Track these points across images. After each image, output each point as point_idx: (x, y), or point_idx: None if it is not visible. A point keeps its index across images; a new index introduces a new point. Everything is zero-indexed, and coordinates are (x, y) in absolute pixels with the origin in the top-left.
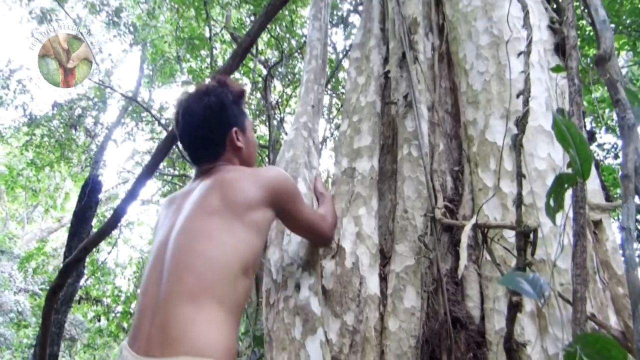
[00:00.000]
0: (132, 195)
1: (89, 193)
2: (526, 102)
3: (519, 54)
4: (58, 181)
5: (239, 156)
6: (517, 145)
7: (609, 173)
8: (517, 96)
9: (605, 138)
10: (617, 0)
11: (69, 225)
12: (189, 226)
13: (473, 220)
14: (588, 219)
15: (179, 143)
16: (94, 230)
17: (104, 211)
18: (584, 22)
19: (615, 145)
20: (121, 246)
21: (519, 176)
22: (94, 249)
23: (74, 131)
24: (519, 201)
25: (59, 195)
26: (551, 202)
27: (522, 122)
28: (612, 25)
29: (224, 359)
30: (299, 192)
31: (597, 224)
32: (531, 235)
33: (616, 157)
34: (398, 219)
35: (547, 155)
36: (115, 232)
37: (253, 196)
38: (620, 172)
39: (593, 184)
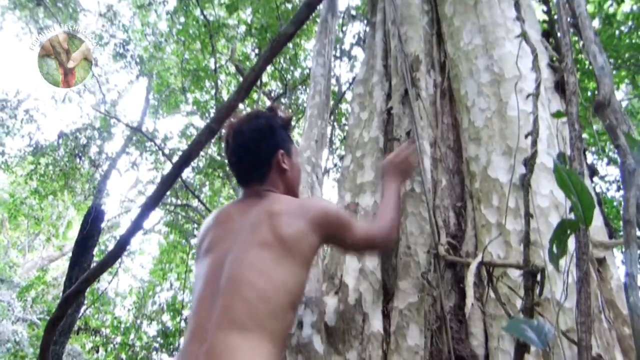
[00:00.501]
0: (135, 227)
1: (92, 222)
2: (534, 143)
3: (528, 96)
4: (61, 210)
5: (284, 179)
6: (525, 185)
7: (612, 206)
8: (525, 137)
9: (607, 170)
10: (615, 35)
11: (70, 254)
12: (243, 257)
13: (478, 259)
14: (592, 257)
15: (185, 173)
16: (96, 259)
17: (105, 240)
18: (583, 56)
19: (617, 178)
20: (122, 275)
21: (527, 215)
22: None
23: (78, 160)
24: (526, 240)
25: (61, 223)
26: (554, 249)
27: (530, 163)
28: (611, 60)
29: None
30: (346, 218)
31: (601, 261)
32: (538, 276)
33: (619, 189)
34: (401, 255)
35: (549, 193)
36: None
37: (302, 231)
38: (622, 212)
39: (596, 221)
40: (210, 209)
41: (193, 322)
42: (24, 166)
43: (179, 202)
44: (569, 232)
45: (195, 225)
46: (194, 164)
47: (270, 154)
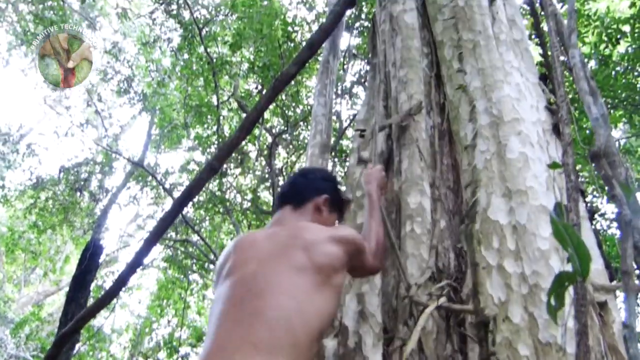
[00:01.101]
0: (134, 264)
1: (90, 257)
2: (473, 194)
3: (465, 147)
4: (59, 244)
5: (314, 219)
6: (468, 235)
7: (613, 244)
8: (465, 188)
9: (607, 208)
10: (611, 75)
11: (66, 289)
12: (274, 281)
13: (436, 303)
14: (593, 301)
15: (184, 208)
16: (93, 295)
17: (103, 275)
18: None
19: (618, 216)
20: (119, 311)
21: (474, 266)
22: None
23: (78, 194)
24: (475, 290)
25: (59, 258)
26: (552, 302)
27: (470, 214)
28: (609, 100)
29: None
30: (362, 242)
31: (603, 305)
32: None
33: (619, 227)
34: (401, 297)
35: (549, 235)
36: None
37: (338, 258)
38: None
39: (597, 264)
40: (210, 245)
41: (211, 343)
42: (23, 200)
43: (178, 237)
44: (566, 284)
45: (194, 261)
46: (194, 199)
47: (318, 192)
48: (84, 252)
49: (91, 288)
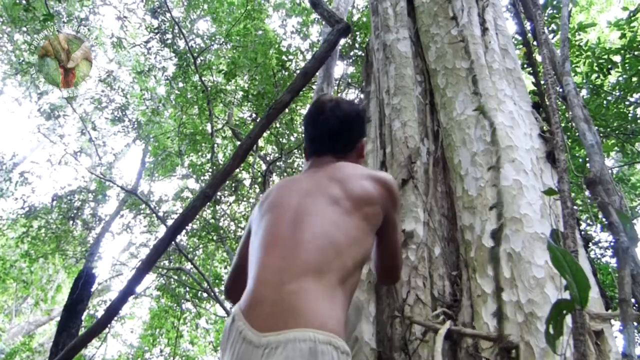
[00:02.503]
0: (126, 293)
1: (82, 286)
2: (499, 216)
3: (489, 168)
4: (51, 273)
5: (354, 162)
6: (494, 257)
7: (607, 272)
8: (490, 209)
9: (601, 236)
10: (603, 104)
11: (58, 318)
12: (315, 210)
13: (447, 325)
14: (589, 330)
15: (178, 236)
16: (84, 324)
17: (95, 304)
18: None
19: (611, 243)
20: (110, 341)
21: (499, 290)
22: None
23: (71, 223)
24: (499, 313)
25: (50, 287)
26: (551, 330)
27: (497, 236)
28: (601, 129)
29: (341, 337)
30: (399, 199)
31: (599, 334)
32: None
33: (614, 255)
34: (396, 325)
35: (544, 263)
36: None
37: (371, 193)
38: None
39: (592, 292)
40: (204, 273)
41: (261, 268)
42: (15, 229)
43: (171, 265)
44: (564, 312)
45: (188, 289)
46: (187, 227)
47: (358, 137)
48: (76, 280)
49: (83, 317)
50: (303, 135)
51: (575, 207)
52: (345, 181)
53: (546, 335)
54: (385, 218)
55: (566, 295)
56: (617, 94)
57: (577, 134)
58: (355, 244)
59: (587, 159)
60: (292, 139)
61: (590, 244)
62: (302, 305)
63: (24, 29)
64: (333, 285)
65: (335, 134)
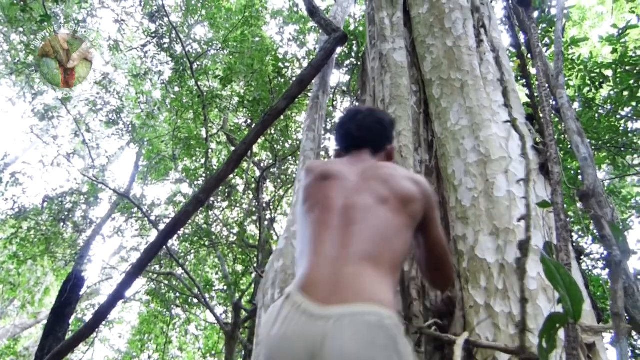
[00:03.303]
0: (115, 297)
1: (70, 289)
2: (528, 229)
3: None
4: (39, 275)
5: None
6: (521, 269)
7: (598, 284)
8: (519, 220)
9: (592, 248)
10: (595, 118)
11: (45, 322)
12: (368, 208)
13: (465, 335)
14: (581, 343)
15: (169, 240)
16: (72, 328)
17: (83, 308)
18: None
19: (603, 255)
20: (98, 346)
21: (523, 300)
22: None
23: (62, 225)
24: (522, 326)
25: (38, 290)
26: (544, 343)
27: (524, 247)
28: (592, 142)
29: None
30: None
31: (591, 347)
32: None
33: (605, 267)
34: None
35: (537, 275)
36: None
37: (413, 192)
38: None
39: (585, 305)
40: (195, 279)
41: (316, 255)
42: (4, 230)
43: (162, 270)
44: (557, 326)
45: (178, 295)
46: (179, 231)
47: (388, 141)
48: (65, 283)
49: (71, 321)
50: (337, 136)
51: (568, 219)
52: (389, 181)
53: (539, 348)
54: (425, 217)
55: (559, 308)
56: (609, 107)
57: (569, 146)
58: (402, 240)
59: (580, 172)
60: (287, 145)
61: (582, 256)
62: (363, 284)
63: (21, 29)
64: (386, 274)
65: (372, 130)
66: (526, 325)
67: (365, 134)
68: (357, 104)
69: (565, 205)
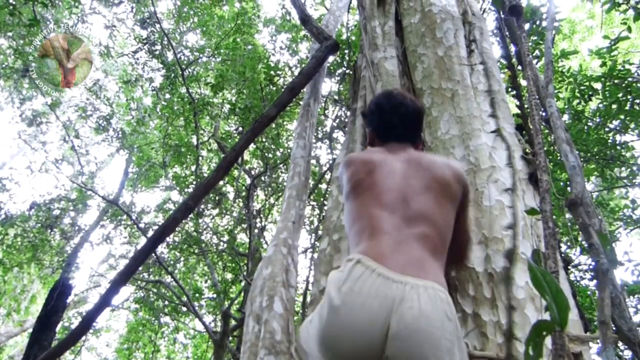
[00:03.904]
0: (102, 304)
1: (57, 297)
2: (515, 236)
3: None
4: (26, 283)
5: None
6: (506, 278)
7: (586, 295)
8: (506, 229)
9: (580, 259)
10: (584, 130)
11: (31, 330)
12: (420, 193)
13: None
14: (568, 352)
15: (158, 248)
16: (58, 337)
17: (70, 316)
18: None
19: (590, 266)
20: (85, 354)
21: (510, 308)
22: None
23: (49, 232)
24: (509, 333)
25: (24, 297)
26: (530, 351)
27: (511, 256)
28: (581, 154)
29: None
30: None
31: (578, 356)
32: None
33: (592, 278)
34: None
35: (525, 284)
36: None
37: (452, 180)
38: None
39: (571, 314)
40: (184, 287)
41: (379, 231)
42: None
43: (151, 278)
44: (544, 333)
45: (167, 303)
46: (169, 239)
47: (421, 134)
48: (52, 291)
49: (57, 329)
50: (373, 121)
51: (556, 228)
52: (432, 168)
53: (525, 356)
54: (461, 202)
55: (546, 316)
56: (598, 120)
57: (558, 157)
58: (449, 225)
59: (568, 182)
60: (278, 153)
61: (570, 267)
62: (429, 265)
63: (9, 33)
64: (441, 257)
65: (413, 125)
66: (513, 333)
67: (407, 130)
68: (347, 112)
69: (554, 216)
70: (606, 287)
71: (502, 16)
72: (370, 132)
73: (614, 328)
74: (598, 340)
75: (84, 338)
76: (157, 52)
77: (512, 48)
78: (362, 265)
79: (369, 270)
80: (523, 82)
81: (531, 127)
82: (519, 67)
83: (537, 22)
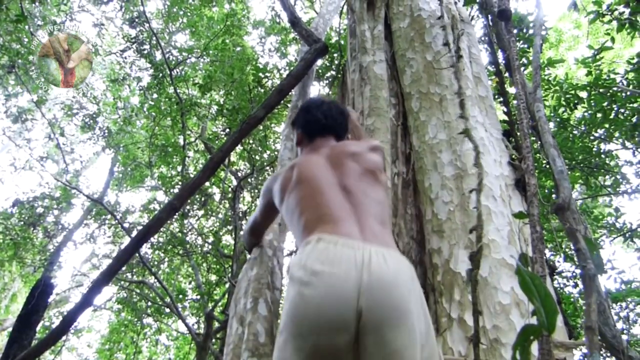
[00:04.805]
0: (84, 303)
1: (39, 295)
2: (479, 239)
3: (470, 191)
4: (6, 281)
5: None
6: (472, 280)
7: (569, 302)
8: (470, 231)
9: (564, 266)
10: (569, 138)
11: (10, 329)
12: (355, 180)
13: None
14: (553, 359)
15: (142, 248)
16: (38, 336)
17: (51, 315)
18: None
19: (574, 274)
20: (65, 355)
21: (476, 313)
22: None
23: (32, 230)
24: (476, 339)
25: (5, 296)
26: (517, 356)
27: (476, 258)
28: (566, 162)
29: None
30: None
31: None
32: None
33: (576, 285)
34: None
35: (510, 290)
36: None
37: (379, 162)
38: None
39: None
40: (167, 287)
41: (329, 212)
42: None
43: (134, 278)
44: (531, 338)
45: (150, 304)
46: (153, 239)
47: (347, 131)
48: (33, 290)
49: (37, 329)
50: (300, 121)
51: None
52: (360, 156)
53: None
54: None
55: (532, 321)
56: (583, 128)
57: (544, 164)
58: (385, 198)
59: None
60: (265, 156)
61: (554, 274)
62: (387, 238)
63: None
64: (390, 229)
65: (337, 120)
66: (479, 338)
67: (331, 122)
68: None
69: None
70: (593, 292)
71: (490, 23)
72: (298, 133)
73: (598, 336)
74: (582, 347)
75: (64, 338)
76: (145, 52)
77: (500, 55)
78: (324, 241)
79: (332, 243)
80: (510, 90)
81: (518, 132)
82: (507, 74)
83: (524, 30)
